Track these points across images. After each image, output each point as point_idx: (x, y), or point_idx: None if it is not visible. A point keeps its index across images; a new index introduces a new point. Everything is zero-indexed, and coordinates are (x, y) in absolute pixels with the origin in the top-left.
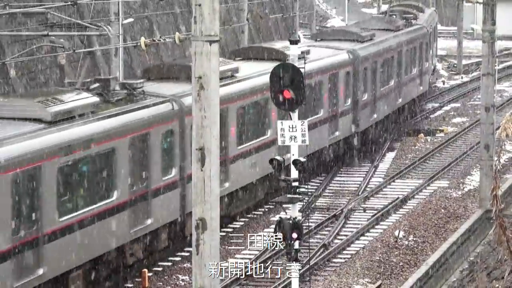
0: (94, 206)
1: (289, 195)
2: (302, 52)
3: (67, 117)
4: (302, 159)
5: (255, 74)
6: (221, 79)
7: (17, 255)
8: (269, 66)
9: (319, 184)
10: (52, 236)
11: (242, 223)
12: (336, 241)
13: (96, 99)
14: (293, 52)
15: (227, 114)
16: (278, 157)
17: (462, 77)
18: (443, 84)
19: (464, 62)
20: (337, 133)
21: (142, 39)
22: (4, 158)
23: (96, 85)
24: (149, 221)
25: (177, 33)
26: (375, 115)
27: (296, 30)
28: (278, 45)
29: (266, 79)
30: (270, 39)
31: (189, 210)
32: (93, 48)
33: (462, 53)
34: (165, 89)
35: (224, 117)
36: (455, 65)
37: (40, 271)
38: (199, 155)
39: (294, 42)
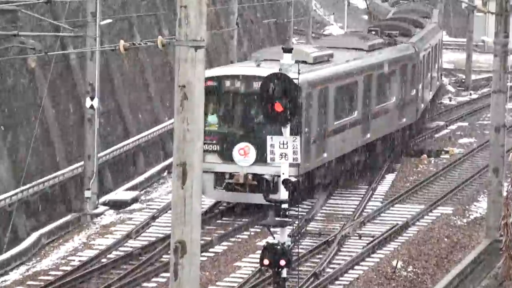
0: (383, 104)
1: (277, 218)
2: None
3: (373, 48)
4: (293, 179)
5: None
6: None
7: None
8: None
9: (311, 207)
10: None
11: (225, 247)
12: (328, 270)
13: (382, 39)
14: (286, 61)
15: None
16: (266, 176)
17: (470, 94)
18: (450, 101)
19: (473, 77)
20: (438, 83)
21: (121, 42)
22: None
23: (373, 32)
24: (404, 120)
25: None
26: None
27: (290, 36)
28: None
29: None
30: (262, 45)
31: (417, 118)
32: (67, 50)
33: (471, 67)
34: (405, 39)
35: (424, 62)
36: (463, 80)
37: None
38: (180, 172)
39: (288, 50)
